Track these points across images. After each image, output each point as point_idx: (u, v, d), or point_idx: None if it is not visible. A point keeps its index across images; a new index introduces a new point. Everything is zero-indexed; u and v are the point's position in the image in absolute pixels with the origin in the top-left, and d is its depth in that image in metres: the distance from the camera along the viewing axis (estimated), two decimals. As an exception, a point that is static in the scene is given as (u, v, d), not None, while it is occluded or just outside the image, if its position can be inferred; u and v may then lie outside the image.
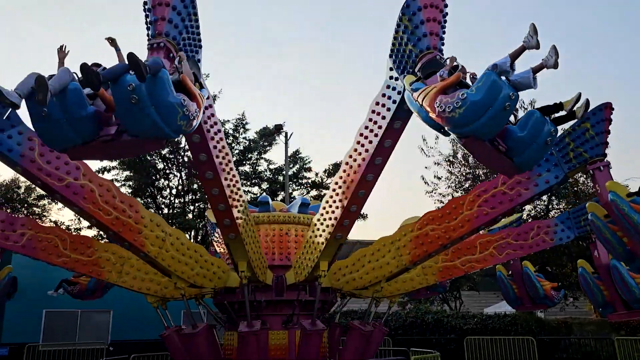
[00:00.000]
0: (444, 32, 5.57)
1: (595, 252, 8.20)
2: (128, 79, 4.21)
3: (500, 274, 11.32)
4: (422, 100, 4.39)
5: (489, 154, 4.38)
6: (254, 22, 70.75)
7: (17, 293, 16.16)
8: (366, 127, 6.50)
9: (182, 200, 26.05)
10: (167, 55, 5.43)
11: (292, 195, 27.16)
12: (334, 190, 7.29)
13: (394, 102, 5.99)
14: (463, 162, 24.36)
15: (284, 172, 26.91)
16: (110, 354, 15.75)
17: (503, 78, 4.32)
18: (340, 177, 7.07)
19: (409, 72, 5.55)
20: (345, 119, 73.94)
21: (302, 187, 29.90)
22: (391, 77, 6.09)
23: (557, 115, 4.89)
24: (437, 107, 4.17)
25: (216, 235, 12.46)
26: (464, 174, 24.17)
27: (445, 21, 5.60)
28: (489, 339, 17.07)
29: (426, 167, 35.83)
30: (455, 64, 4.73)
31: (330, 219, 7.45)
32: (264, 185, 28.50)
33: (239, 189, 7.20)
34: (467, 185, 23.28)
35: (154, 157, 25.74)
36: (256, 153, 28.16)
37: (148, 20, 5.68)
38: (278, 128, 28.15)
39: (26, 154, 6.19)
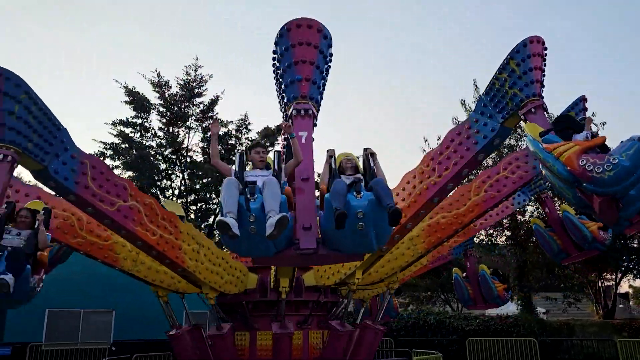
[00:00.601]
0: (544, 81, 5.90)
1: (546, 208, 9.26)
2: (355, 206, 3.99)
3: (457, 276, 12.26)
4: (561, 154, 4.72)
5: (610, 208, 4.74)
6: (256, 23, 70.86)
7: (20, 293, 16.34)
8: (441, 153, 6.53)
9: (184, 201, 26.10)
10: (313, 123, 5.08)
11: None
12: None
13: (485, 137, 6.12)
14: (465, 163, 24.35)
15: (286, 173, 26.94)
16: (112, 353, 15.80)
17: None
18: (397, 194, 7.00)
19: (508, 114, 5.88)
20: (346, 119, 73.96)
21: (304, 187, 29.93)
22: (482, 113, 6.24)
23: None
24: (584, 165, 4.49)
25: None
26: (466, 175, 24.18)
27: (545, 70, 5.94)
28: (491, 340, 17.07)
29: (428, 168, 35.78)
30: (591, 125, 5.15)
31: None
32: (266, 186, 28.53)
33: None
34: (469, 186, 23.27)
35: (157, 158, 25.85)
36: (258, 154, 28.20)
37: (286, 78, 5.19)
38: (280, 129, 28.20)
39: (80, 181, 5.74)
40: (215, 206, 26.99)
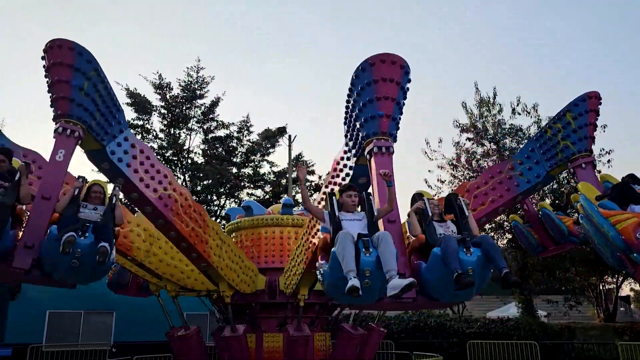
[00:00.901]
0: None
1: (525, 206, 9.54)
2: (466, 262, 4.04)
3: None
4: (619, 222, 4.83)
5: None
6: (256, 23, 71.01)
7: (21, 294, 16.29)
8: (478, 187, 6.56)
9: (185, 203, 26.15)
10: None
11: (295, 199, 27.16)
12: None
13: (528, 182, 6.28)
14: (466, 166, 24.34)
15: (287, 175, 26.93)
16: (113, 355, 15.79)
17: None
18: None
19: (557, 164, 6.05)
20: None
21: (305, 190, 29.89)
22: (529, 157, 6.40)
23: None
24: None
25: None
26: (467, 177, 24.14)
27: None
28: (492, 343, 17.02)
29: (430, 171, 35.88)
30: None
31: None
32: (267, 188, 28.52)
33: None
34: (470, 188, 23.22)
35: (158, 159, 25.87)
36: (259, 155, 28.21)
37: (366, 113, 5.05)
38: (281, 131, 28.19)
39: (131, 164, 5.61)
40: (216, 207, 27.00)
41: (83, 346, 16.19)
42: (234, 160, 27.46)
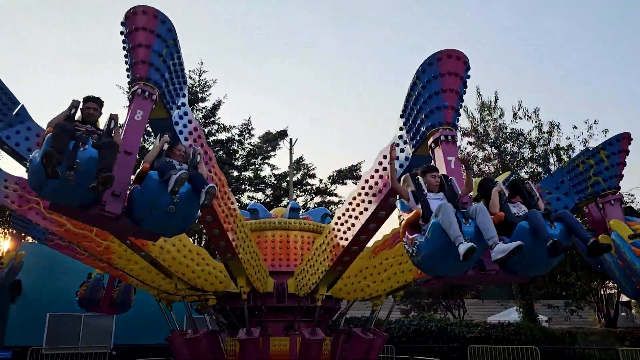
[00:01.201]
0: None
1: None
2: (553, 235, 4.28)
3: None
4: None
5: None
6: (256, 23, 71.16)
7: (21, 296, 16.30)
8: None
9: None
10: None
11: (295, 201, 27.14)
12: None
13: (557, 216, 6.57)
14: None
15: (287, 179, 26.92)
16: (113, 358, 15.78)
17: None
18: None
19: (586, 197, 6.36)
20: (346, 120, 74.00)
21: (306, 193, 29.90)
22: (557, 188, 6.69)
23: None
24: None
25: None
26: (468, 181, 24.17)
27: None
28: (493, 347, 16.99)
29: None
30: None
31: None
32: (268, 191, 28.51)
33: None
34: (471, 193, 23.19)
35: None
36: (260, 158, 28.21)
37: (432, 104, 5.35)
38: (282, 134, 28.21)
39: (188, 138, 5.69)
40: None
41: (83, 349, 16.18)
42: (235, 163, 27.47)
